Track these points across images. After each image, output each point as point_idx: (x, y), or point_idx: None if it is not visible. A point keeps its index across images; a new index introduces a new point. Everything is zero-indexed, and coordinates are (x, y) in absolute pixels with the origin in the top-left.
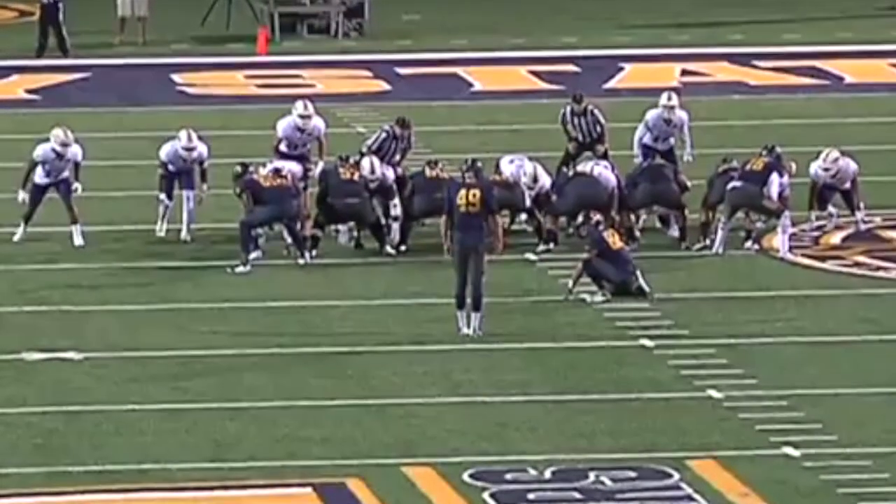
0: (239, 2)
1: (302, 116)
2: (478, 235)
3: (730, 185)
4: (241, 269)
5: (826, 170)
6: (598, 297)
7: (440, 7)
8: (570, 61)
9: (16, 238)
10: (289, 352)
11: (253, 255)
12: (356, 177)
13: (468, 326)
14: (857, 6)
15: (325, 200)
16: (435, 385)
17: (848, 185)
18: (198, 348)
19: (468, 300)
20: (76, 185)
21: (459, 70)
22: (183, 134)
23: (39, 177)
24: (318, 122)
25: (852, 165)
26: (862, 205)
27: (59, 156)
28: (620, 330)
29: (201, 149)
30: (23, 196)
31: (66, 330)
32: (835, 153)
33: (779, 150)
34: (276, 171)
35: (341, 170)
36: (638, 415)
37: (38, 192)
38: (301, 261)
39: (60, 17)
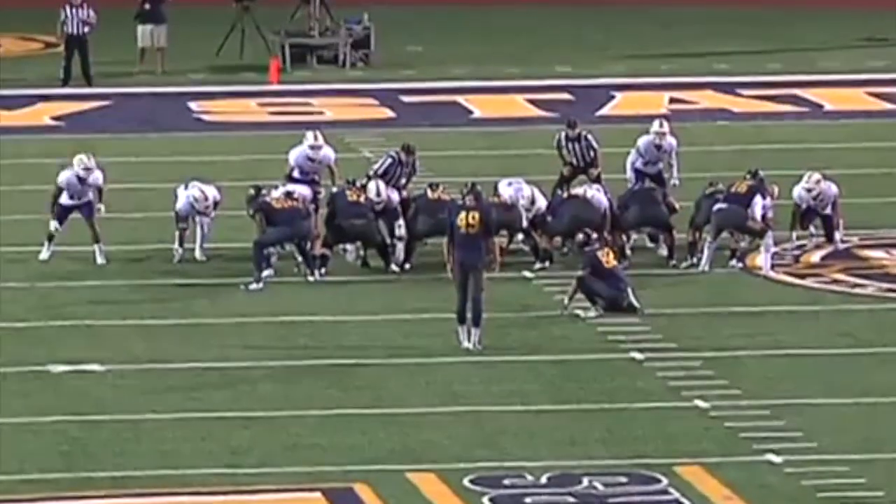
0: (252, 33)
1: (312, 147)
2: (477, 255)
3: (715, 207)
4: (254, 286)
5: (809, 191)
6: (592, 313)
7: (441, 39)
8: (564, 90)
9: (43, 257)
10: (299, 364)
11: (265, 273)
12: (362, 199)
13: (468, 340)
14: (836, 37)
15: (333, 221)
16: (437, 396)
17: (829, 209)
18: (213, 360)
19: (468, 315)
20: (99, 206)
21: (460, 98)
22: (197, 189)
23: (64, 199)
24: (327, 152)
25: (833, 188)
26: (841, 222)
27: (82, 180)
28: (612, 343)
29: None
30: (55, 225)
31: (89, 343)
32: (816, 176)
33: (762, 174)
34: (288, 194)
35: (348, 192)
36: (629, 423)
37: (62, 213)
38: (311, 278)
39: (87, 48)
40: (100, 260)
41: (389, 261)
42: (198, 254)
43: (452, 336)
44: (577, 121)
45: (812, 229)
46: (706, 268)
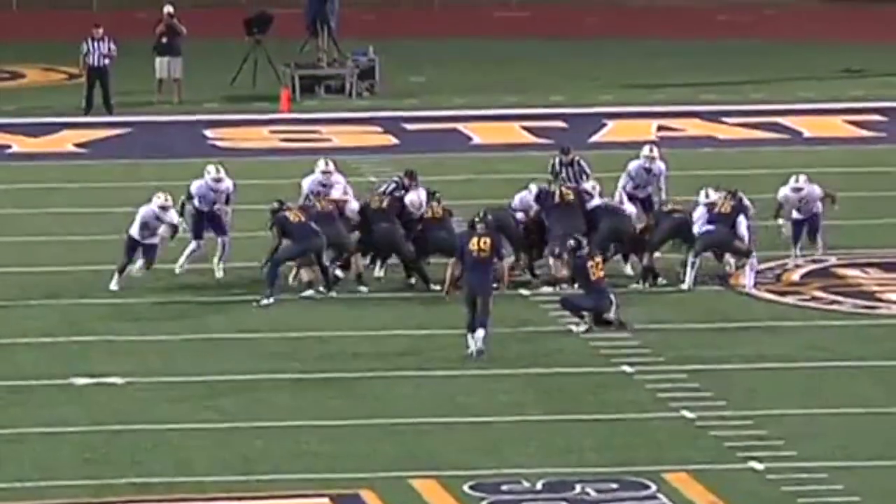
0: (264, 65)
1: (324, 172)
2: (486, 277)
3: (703, 229)
4: (265, 301)
5: (796, 190)
6: (582, 327)
7: (442, 70)
8: (558, 118)
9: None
10: (309, 376)
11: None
12: (385, 204)
13: (475, 344)
14: (815, 69)
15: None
16: (439, 406)
17: (817, 207)
18: (227, 373)
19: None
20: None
21: (460, 126)
22: (211, 168)
23: (135, 231)
24: (338, 178)
25: (817, 190)
26: (822, 243)
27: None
28: (604, 357)
29: (227, 183)
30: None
31: (109, 357)
32: (803, 177)
33: (740, 193)
34: (302, 208)
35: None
36: (619, 433)
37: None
38: (322, 290)
39: (108, 78)
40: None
41: (427, 279)
42: (217, 272)
43: (453, 349)
44: (571, 147)
45: (799, 252)
46: (690, 286)
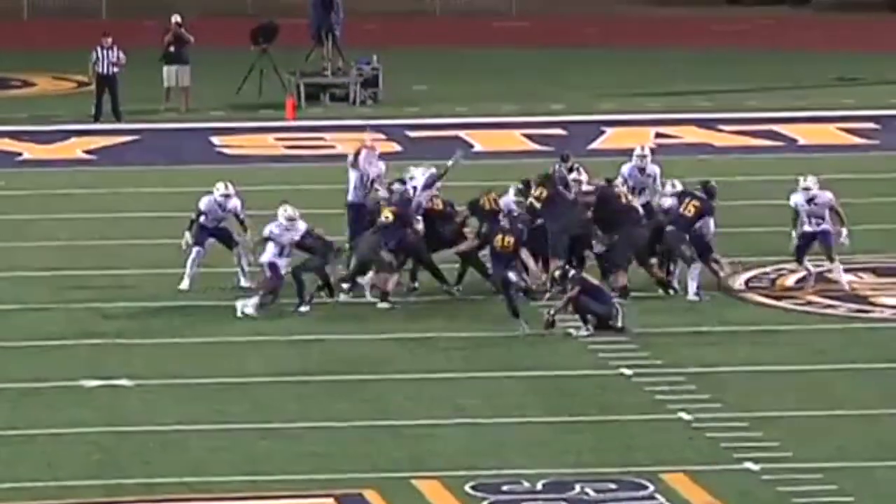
0: (270, 74)
1: (224, 195)
2: (507, 267)
3: (667, 229)
4: (303, 308)
5: (806, 189)
6: (583, 332)
7: (444, 79)
8: (558, 126)
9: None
10: (314, 379)
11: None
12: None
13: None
14: (809, 78)
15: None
16: (441, 408)
17: (826, 224)
18: (234, 376)
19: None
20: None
21: (462, 133)
22: (220, 184)
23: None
24: (235, 201)
25: (828, 195)
26: (844, 231)
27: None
28: (603, 360)
29: (235, 201)
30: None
31: (119, 360)
32: (812, 178)
33: (713, 182)
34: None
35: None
36: (618, 434)
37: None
38: (333, 299)
39: (116, 87)
40: (243, 282)
41: (446, 281)
42: (243, 282)
43: (455, 352)
44: (570, 154)
45: (808, 265)
46: (695, 297)
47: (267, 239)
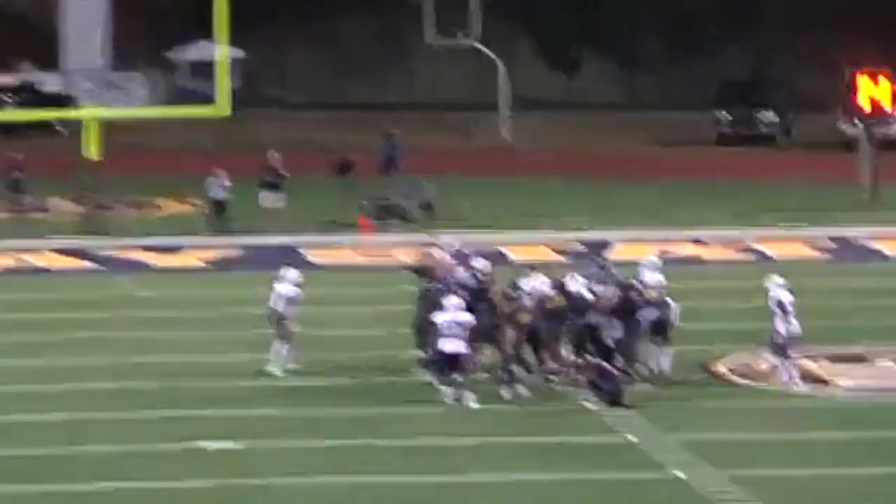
0: (347, 198)
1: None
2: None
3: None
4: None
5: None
6: (594, 406)
7: (484, 200)
8: (575, 241)
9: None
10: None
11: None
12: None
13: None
14: (777, 204)
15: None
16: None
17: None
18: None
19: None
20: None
21: (501, 248)
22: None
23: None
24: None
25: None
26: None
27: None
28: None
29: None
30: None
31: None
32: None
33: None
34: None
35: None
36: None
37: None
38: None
39: (225, 207)
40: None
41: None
42: (279, 370)
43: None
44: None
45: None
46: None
47: None
